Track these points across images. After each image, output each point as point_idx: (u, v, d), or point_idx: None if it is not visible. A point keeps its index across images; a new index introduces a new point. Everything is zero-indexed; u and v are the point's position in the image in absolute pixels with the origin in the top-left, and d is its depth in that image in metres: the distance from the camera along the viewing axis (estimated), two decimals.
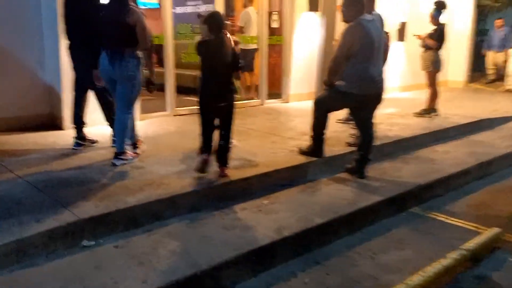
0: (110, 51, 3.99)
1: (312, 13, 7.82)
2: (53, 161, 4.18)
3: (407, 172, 4.66)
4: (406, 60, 9.82)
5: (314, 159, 4.44)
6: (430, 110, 6.86)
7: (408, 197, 4.11)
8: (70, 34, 4.50)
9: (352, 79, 4.10)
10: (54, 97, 5.54)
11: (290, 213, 3.51)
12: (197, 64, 3.88)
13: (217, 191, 3.67)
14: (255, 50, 7.70)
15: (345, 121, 5.85)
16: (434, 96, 6.89)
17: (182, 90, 6.89)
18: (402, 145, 5.38)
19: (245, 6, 7.78)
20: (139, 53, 4.05)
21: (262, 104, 7.74)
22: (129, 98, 4.11)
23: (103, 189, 3.47)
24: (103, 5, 4.12)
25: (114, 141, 4.55)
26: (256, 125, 6.07)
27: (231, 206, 3.56)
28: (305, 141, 4.68)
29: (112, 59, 3.97)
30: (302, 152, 4.55)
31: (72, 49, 4.52)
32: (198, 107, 3.83)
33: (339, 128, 5.72)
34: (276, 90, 8.13)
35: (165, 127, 5.87)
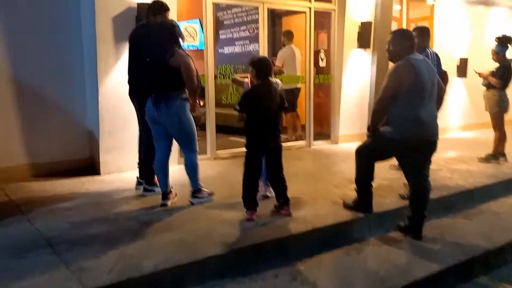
0: (155, 95, 3.95)
1: (362, 50, 7.41)
2: (80, 211, 3.97)
3: (471, 231, 4.03)
4: (468, 97, 9.12)
5: (361, 214, 3.94)
6: (497, 154, 6.13)
7: (473, 264, 3.49)
8: (130, 81, 4.47)
9: (399, 124, 3.63)
10: (93, 141, 5.44)
11: (329, 283, 3.02)
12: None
13: (247, 253, 3.24)
14: (298, 89, 7.37)
15: (399, 166, 5.28)
16: (501, 139, 6.15)
17: (222, 129, 6.76)
18: (464, 197, 4.72)
19: (283, 44, 7.49)
20: (185, 94, 3.97)
21: (309, 146, 7.32)
22: (186, 137, 4.03)
23: (121, 247, 3.15)
24: (148, 49, 4.05)
25: (139, 183, 4.54)
26: (299, 169, 5.65)
27: (262, 271, 3.12)
28: (352, 191, 4.19)
29: (157, 102, 3.92)
30: (347, 206, 4.06)
31: (132, 96, 4.49)
32: (248, 151, 3.82)
33: (392, 175, 5.17)
34: (324, 130, 7.72)
35: (204, 172, 5.53)
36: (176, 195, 4.27)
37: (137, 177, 4.68)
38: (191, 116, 4.01)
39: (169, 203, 4.11)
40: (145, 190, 4.47)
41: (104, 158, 5.21)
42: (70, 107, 5.40)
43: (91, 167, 5.40)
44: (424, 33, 4.89)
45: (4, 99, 5.00)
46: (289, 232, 3.51)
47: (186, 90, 3.96)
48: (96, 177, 5.15)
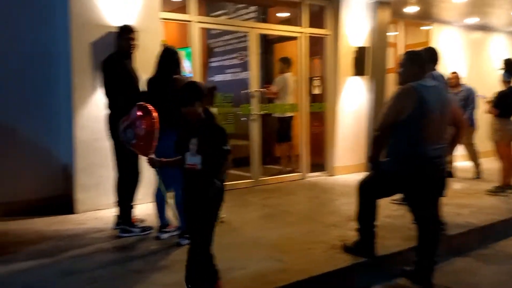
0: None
1: (358, 77, 7.08)
2: (42, 258, 3.52)
3: (487, 277, 3.58)
4: None
5: (362, 259, 3.48)
6: (504, 187, 5.71)
7: None
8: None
9: (400, 157, 3.22)
10: (68, 178, 4.98)
11: None
12: None
13: None
14: (291, 118, 7.04)
15: (402, 201, 4.83)
16: (508, 170, 5.74)
17: None
18: (476, 236, 4.28)
19: (282, 72, 7.17)
20: None
21: (303, 178, 6.89)
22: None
23: None
24: (148, 80, 3.86)
25: (118, 224, 4.14)
26: (292, 206, 5.20)
27: None
28: (351, 231, 3.76)
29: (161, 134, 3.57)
30: (347, 249, 3.61)
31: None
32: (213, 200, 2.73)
33: (395, 211, 4.73)
34: (320, 161, 7.30)
35: None
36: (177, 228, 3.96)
37: (117, 216, 4.24)
38: None
39: (165, 236, 3.92)
40: (123, 231, 4.04)
41: (80, 196, 4.77)
42: (43, 141, 4.97)
43: (66, 206, 4.91)
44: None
45: None
46: (280, 283, 3.03)
47: None
48: (70, 216, 4.69)
